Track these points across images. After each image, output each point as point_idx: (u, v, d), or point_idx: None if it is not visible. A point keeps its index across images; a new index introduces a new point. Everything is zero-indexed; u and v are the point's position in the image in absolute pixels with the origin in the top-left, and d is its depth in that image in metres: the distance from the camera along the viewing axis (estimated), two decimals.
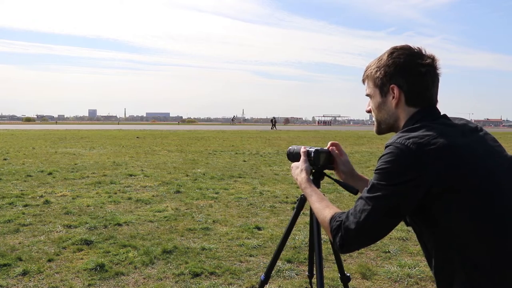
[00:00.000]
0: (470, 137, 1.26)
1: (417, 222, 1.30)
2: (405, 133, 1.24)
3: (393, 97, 1.34)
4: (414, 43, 1.36)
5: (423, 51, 1.32)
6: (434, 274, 1.33)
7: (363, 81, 1.46)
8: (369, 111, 1.47)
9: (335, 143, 1.86)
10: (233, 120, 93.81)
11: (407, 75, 1.31)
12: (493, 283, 1.16)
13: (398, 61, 1.32)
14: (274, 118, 54.35)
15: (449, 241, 1.22)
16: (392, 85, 1.33)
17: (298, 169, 1.82)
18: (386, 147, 1.25)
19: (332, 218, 1.32)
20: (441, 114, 1.34)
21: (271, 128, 49.29)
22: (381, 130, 1.46)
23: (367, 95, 1.44)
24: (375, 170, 1.26)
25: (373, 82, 1.39)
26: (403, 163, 1.19)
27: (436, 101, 1.36)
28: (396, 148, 1.21)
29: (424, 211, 1.22)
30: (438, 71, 1.34)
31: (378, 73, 1.36)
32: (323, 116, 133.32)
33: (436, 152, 1.17)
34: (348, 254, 4.16)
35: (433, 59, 1.32)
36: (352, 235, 1.24)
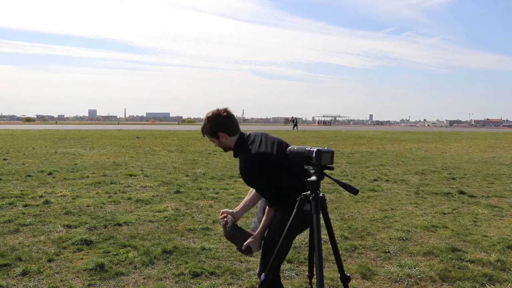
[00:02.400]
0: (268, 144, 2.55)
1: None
2: (246, 148, 2.52)
3: (223, 137, 2.53)
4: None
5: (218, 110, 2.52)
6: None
7: (204, 134, 2.59)
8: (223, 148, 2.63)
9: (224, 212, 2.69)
10: (288, 122, 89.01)
11: (223, 124, 2.51)
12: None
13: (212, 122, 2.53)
14: (296, 119, 56.16)
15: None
16: (219, 132, 2.51)
17: (254, 241, 2.58)
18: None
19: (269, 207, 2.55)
20: (243, 134, 2.58)
21: (293, 128, 51.31)
22: (227, 150, 2.62)
23: (211, 140, 2.60)
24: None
25: (211, 135, 2.56)
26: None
27: (239, 130, 2.56)
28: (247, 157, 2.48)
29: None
30: (228, 114, 2.51)
31: (210, 130, 2.53)
32: (323, 116, 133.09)
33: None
34: (348, 254, 4.16)
35: (225, 110, 2.51)
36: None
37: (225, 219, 2.64)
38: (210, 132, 2.52)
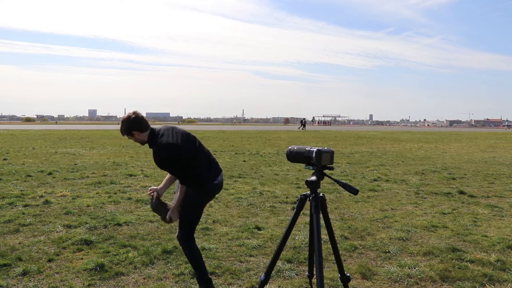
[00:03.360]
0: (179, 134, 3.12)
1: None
2: (157, 140, 3.06)
3: (137, 134, 3.06)
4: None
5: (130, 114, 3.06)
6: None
7: (123, 134, 3.12)
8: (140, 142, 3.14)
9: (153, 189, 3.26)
10: (301, 122, 60.32)
11: (134, 124, 3.04)
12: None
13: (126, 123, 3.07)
14: (304, 119, 56.69)
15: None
16: (133, 131, 3.04)
17: (173, 211, 3.14)
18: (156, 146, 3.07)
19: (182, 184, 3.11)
20: (154, 129, 3.12)
21: (300, 128, 52.33)
22: (143, 144, 3.14)
23: (130, 138, 3.11)
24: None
25: (127, 133, 3.09)
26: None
27: (149, 126, 3.08)
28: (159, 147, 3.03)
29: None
30: (136, 116, 3.05)
31: (126, 130, 3.08)
32: (323, 116, 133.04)
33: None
34: (348, 254, 4.16)
35: (133, 113, 3.06)
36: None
37: (152, 194, 3.20)
38: (126, 131, 3.09)
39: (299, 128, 54.20)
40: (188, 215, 3.14)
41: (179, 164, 3.02)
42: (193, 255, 3.19)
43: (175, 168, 3.04)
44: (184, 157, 3.02)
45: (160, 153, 2.99)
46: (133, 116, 3.05)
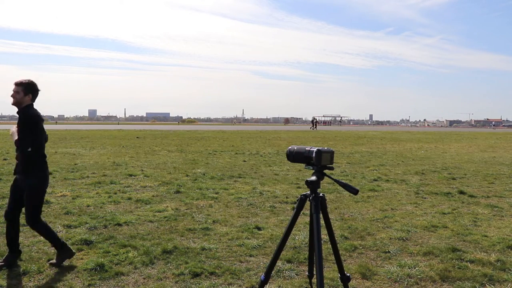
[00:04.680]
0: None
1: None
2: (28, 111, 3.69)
3: (28, 96, 3.68)
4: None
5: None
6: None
7: (18, 81, 3.72)
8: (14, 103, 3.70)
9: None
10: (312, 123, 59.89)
11: (31, 87, 3.71)
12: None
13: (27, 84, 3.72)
14: (315, 118, 57.27)
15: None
16: (29, 93, 3.69)
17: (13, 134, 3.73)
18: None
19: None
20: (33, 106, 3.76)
21: (311, 128, 52.81)
22: (17, 104, 3.69)
23: (16, 91, 3.66)
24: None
25: (20, 86, 3.66)
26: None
27: (33, 102, 3.74)
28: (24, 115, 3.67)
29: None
30: (36, 88, 3.77)
31: (27, 86, 3.69)
32: (323, 116, 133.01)
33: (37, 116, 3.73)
34: (348, 254, 4.16)
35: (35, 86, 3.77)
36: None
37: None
38: (26, 86, 3.64)
39: (311, 128, 54.31)
40: (31, 200, 3.78)
41: (31, 135, 3.63)
42: (45, 232, 3.76)
43: (24, 134, 3.62)
44: (39, 134, 3.66)
45: (22, 117, 3.60)
46: (36, 85, 3.71)
